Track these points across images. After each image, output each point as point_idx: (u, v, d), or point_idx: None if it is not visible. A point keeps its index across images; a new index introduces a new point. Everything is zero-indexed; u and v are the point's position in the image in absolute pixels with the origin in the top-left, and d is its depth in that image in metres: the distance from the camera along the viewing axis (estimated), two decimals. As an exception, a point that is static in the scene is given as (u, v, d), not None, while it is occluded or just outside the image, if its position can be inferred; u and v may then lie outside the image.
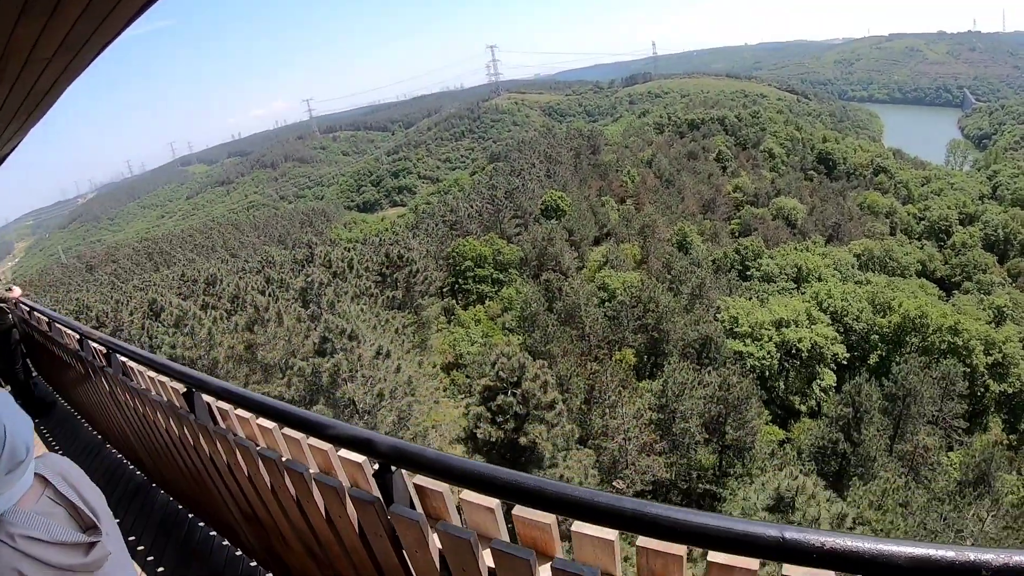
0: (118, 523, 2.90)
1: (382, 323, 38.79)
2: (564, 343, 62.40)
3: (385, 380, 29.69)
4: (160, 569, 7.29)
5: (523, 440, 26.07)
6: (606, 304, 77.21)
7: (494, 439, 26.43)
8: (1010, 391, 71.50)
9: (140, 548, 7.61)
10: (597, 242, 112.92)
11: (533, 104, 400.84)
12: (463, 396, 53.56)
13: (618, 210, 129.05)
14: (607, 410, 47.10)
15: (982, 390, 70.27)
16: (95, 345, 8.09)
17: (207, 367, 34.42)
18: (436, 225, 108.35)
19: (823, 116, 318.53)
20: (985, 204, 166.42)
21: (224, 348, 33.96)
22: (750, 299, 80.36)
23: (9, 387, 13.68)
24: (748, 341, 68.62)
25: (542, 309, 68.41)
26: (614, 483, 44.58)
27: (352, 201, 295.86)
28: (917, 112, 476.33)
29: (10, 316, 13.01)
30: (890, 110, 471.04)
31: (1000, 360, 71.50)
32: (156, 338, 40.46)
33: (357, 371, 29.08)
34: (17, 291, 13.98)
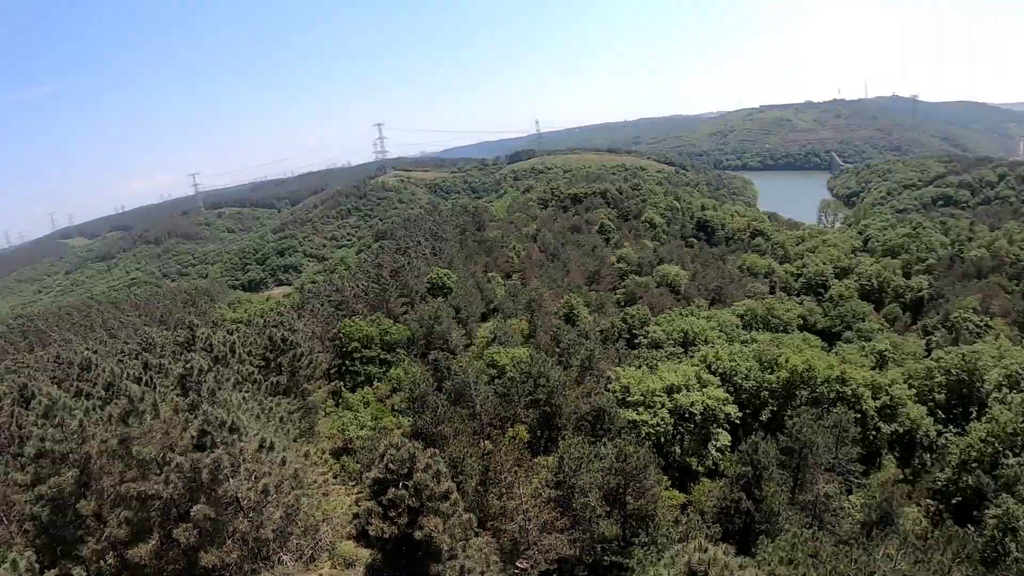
0: None
1: (266, 411, 37.09)
2: (455, 423, 61.22)
3: (270, 474, 28.25)
4: None
5: (418, 534, 25.26)
6: (496, 381, 76.75)
7: (387, 535, 25.47)
8: (900, 430, 75.32)
9: None
10: (484, 318, 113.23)
11: (419, 181, 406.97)
12: (355, 483, 52.18)
13: (504, 285, 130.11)
14: (504, 490, 46.57)
15: (874, 432, 73.44)
16: None
17: (79, 462, 32.45)
18: (322, 305, 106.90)
19: (700, 185, 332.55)
20: (858, 257, 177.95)
21: (96, 442, 31.93)
22: (640, 367, 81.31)
23: None
24: (641, 409, 69.26)
25: (431, 389, 67.62)
26: (517, 564, 43.86)
27: (237, 280, 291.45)
28: (789, 177, 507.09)
29: None
30: (763, 176, 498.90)
31: (888, 403, 75.27)
32: (24, 428, 38.03)
33: (240, 466, 27.61)
34: None
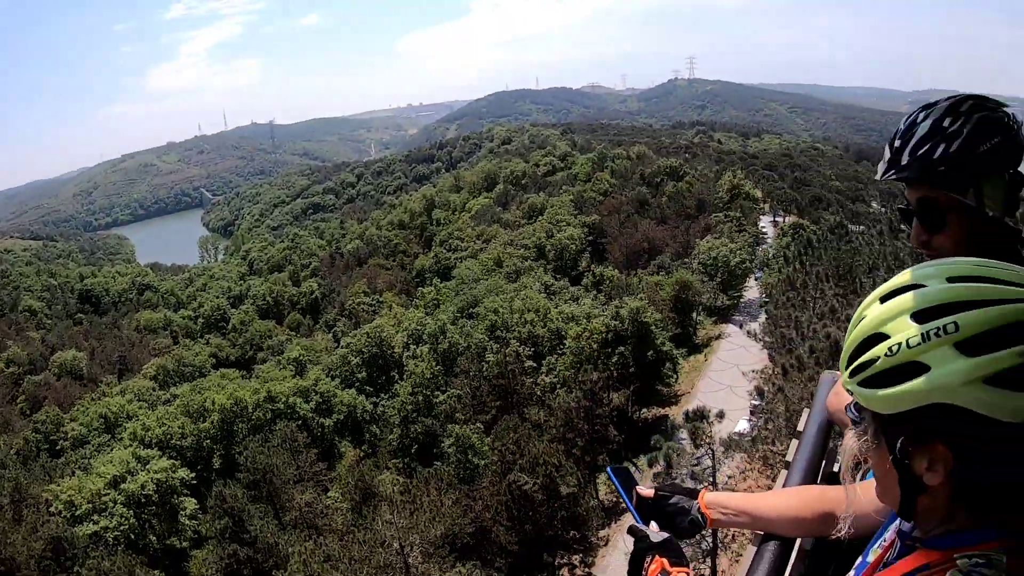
0: None
1: None
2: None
3: None
4: None
5: None
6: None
7: None
8: (341, 417, 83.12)
9: None
10: None
11: None
12: None
13: None
14: None
15: (319, 430, 79.02)
16: None
17: None
18: None
19: (75, 254, 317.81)
20: (248, 281, 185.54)
21: None
22: (73, 474, 78.10)
23: None
24: (97, 517, 66.25)
25: None
26: None
27: None
28: (163, 223, 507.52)
29: None
30: (137, 228, 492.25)
31: (320, 400, 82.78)
32: None
33: None
34: None
